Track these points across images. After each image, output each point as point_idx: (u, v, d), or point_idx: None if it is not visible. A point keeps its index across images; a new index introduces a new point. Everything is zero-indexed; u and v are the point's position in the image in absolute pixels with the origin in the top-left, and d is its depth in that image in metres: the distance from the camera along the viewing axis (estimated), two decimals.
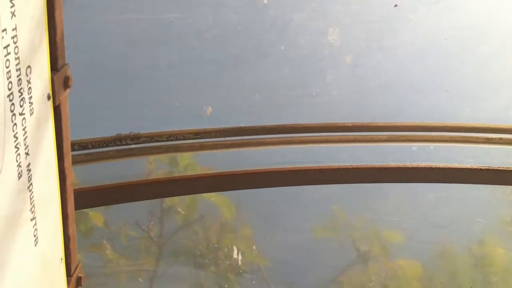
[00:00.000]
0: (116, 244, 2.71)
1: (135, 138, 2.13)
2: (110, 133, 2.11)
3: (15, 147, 1.02)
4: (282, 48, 2.16)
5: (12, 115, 1.00)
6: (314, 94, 2.28)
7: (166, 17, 1.98)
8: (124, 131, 2.13)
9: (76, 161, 2.05)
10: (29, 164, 1.09)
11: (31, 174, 1.10)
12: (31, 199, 1.11)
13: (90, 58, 1.96)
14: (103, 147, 2.09)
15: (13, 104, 1.00)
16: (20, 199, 1.05)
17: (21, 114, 1.04)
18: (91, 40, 1.94)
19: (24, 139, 1.06)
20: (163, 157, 2.37)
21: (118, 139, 2.12)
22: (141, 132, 2.15)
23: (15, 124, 1.01)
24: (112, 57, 2.03)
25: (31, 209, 1.11)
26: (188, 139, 2.20)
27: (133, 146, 2.14)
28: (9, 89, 0.98)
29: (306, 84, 2.27)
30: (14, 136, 1.01)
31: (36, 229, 1.14)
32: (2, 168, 0.96)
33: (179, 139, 2.18)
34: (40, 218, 1.17)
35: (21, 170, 1.05)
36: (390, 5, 2.16)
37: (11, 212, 1.01)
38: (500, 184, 2.54)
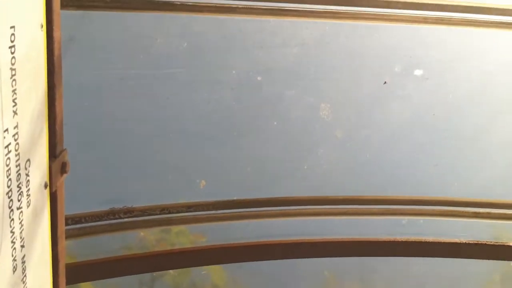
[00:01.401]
0: None
1: (128, 212, 2.14)
2: (104, 207, 2.12)
3: (11, 241, 1.03)
4: (275, 123, 2.21)
5: (10, 211, 1.02)
6: (305, 167, 2.31)
7: (162, 93, 2.03)
8: (118, 205, 2.14)
9: (69, 235, 2.05)
10: (23, 256, 1.10)
11: (25, 266, 1.11)
12: None
13: (86, 133, 1.99)
14: (96, 221, 2.10)
15: (11, 200, 1.02)
16: None
17: (18, 208, 1.05)
18: (87, 116, 1.97)
19: (20, 232, 1.07)
20: None
21: (112, 213, 2.13)
22: (134, 205, 2.16)
23: (12, 219, 1.03)
24: (107, 132, 2.06)
25: None
26: (181, 212, 2.21)
27: (126, 219, 2.15)
28: (8, 187, 1.00)
29: (298, 158, 2.30)
30: (11, 232, 1.03)
31: None
32: None
33: (172, 212, 2.20)
34: None
35: (16, 264, 1.06)
36: (379, 83, 2.22)
37: None
38: (489, 259, 2.55)
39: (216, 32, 1.99)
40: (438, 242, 2.45)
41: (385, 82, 2.22)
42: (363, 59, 2.19)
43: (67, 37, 1.82)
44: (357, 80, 2.22)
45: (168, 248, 2.27)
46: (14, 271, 1.06)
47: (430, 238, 2.45)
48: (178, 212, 2.20)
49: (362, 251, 2.42)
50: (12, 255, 1.04)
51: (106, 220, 2.11)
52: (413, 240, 2.44)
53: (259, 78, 2.10)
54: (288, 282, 2.76)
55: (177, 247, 2.28)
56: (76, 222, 2.07)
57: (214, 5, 1.93)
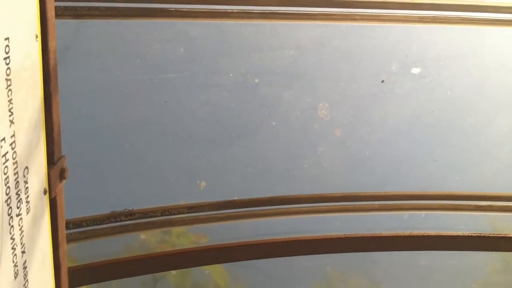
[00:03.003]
0: None
1: (129, 214, 2.18)
2: (104, 210, 2.16)
3: (12, 248, 1.06)
4: (273, 123, 2.23)
5: (10, 218, 1.05)
6: (305, 166, 2.34)
7: (160, 97, 2.06)
8: (118, 208, 2.17)
9: (70, 239, 2.08)
10: (25, 262, 1.13)
11: (26, 271, 1.14)
12: None
13: (85, 137, 2.02)
14: (97, 224, 2.13)
15: (10, 207, 1.05)
16: None
17: (18, 215, 1.09)
18: (86, 121, 2.01)
19: (21, 238, 1.11)
20: None
21: (113, 216, 2.16)
22: (135, 208, 2.20)
23: (12, 226, 1.06)
24: (106, 136, 2.09)
25: None
26: (182, 213, 2.24)
27: (127, 222, 2.18)
28: (7, 194, 1.03)
29: (298, 157, 2.33)
30: (11, 238, 1.06)
31: None
32: None
33: (173, 214, 2.23)
34: None
35: (17, 270, 1.09)
36: (377, 81, 2.24)
37: None
38: (491, 251, 2.56)
39: (212, 37, 2.02)
40: (440, 235, 2.47)
41: (382, 81, 2.24)
42: (360, 59, 2.21)
43: (63, 46, 1.85)
44: (354, 79, 2.24)
45: (170, 249, 2.30)
46: (15, 277, 1.09)
47: (432, 232, 2.47)
48: (179, 213, 2.23)
49: (364, 247, 2.44)
50: (13, 261, 1.07)
51: (107, 223, 2.15)
52: (415, 234, 2.46)
53: (256, 80, 2.13)
54: (291, 280, 2.79)
55: (178, 248, 2.31)
56: (77, 226, 2.11)
57: (209, 10, 1.96)
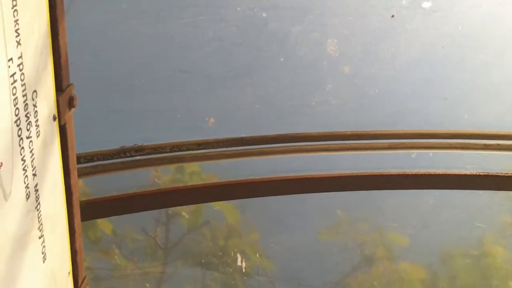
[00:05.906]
0: (124, 250, 2.77)
1: (139, 150, 2.19)
2: (115, 145, 2.17)
3: (23, 169, 1.08)
4: (282, 59, 2.21)
5: (20, 140, 1.06)
6: (313, 103, 2.33)
7: (167, 32, 2.04)
8: (128, 143, 2.19)
9: (82, 173, 2.11)
10: (36, 185, 1.14)
11: (38, 194, 1.15)
12: (39, 218, 1.16)
13: (94, 73, 2.02)
14: (108, 159, 2.15)
15: (20, 129, 1.06)
16: (29, 219, 1.10)
17: (28, 137, 1.09)
18: (94, 56, 2.00)
19: (32, 161, 1.12)
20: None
21: (123, 152, 2.18)
22: (145, 144, 2.21)
23: (22, 148, 1.07)
24: (115, 72, 2.08)
25: (39, 227, 1.17)
26: (191, 149, 2.25)
27: (138, 157, 2.20)
28: (16, 115, 1.04)
29: (306, 94, 2.31)
30: (22, 159, 1.07)
31: (44, 246, 1.20)
32: (11, 192, 1.01)
33: (183, 150, 2.24)
34: (48, 235, 1.22)
35: (29, 191, 1.10)
36: (387, 16, 2.20)
37: (20, 233, 1.06)
38: (499, 190, 2.57)
39: None
40: (448, 174, 2.47)
41: (392, 16, 2.20)
42: None
43: None
44: (364, 14, 2.20)
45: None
46: (27, 198, 1.10)
47: (440, 171, 2.47)
48: (188, 149, 2.25)
49: (372, 185, 2.45)
50: (25, 182, 1.09)
51: (117, 158, 2.17)
52: (423, 173, 2.46)
53: (264, 15, 2.10)
54: (302, 222, 2.82)
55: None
56: (89, 161, 2.14)
57: None
